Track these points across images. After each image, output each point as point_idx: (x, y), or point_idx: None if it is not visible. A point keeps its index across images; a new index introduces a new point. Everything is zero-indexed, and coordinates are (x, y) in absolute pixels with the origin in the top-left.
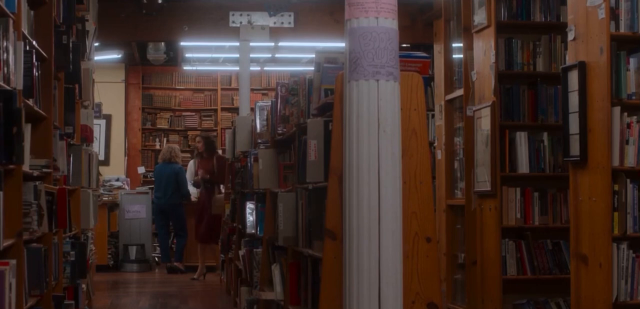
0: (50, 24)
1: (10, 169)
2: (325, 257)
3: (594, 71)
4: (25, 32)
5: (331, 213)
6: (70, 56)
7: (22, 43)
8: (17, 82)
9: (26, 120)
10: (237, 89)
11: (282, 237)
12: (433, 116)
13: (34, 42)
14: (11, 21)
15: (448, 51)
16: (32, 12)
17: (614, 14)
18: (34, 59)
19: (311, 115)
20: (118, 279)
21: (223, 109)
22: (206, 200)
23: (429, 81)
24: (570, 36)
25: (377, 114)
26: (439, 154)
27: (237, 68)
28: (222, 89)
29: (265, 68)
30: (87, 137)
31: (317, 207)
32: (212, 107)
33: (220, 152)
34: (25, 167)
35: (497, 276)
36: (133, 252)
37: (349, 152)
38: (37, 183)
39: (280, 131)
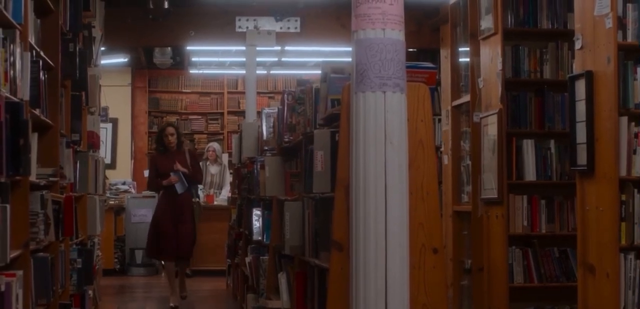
0: (56, 32)
1: (17, 180)
2: (332, 268)
3: (601, 81)
4: (32, 42)
5: (338, 224)
6: (77, 64)
7: (29, 53)
8: (24, 92)
9: (33, 129)
10: (243, 93)
11: (288, 246)
12: (439, 120)
13: (41, 52)
14: (18, 32)
15: (454, 57)
16: (38, 21)
17: (621, 24)
18: (41, 68)
19: (318, 125)
20: (124, 284)
21: (229, 113)
22: (185, 207)
23: (435, 86)
24: (578, 45)
25: (384, 126)
26: (446, 159)
27: (244, 71)
28: (228, 93)
29: (271, 71)
30: (94, 143)
31: (323, 217)
32: (219, 111)
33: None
34: (32, 177)
35: (504, 283)
36: (139, 256)
37: (356, 163)
38: (43, 192)
39: (287, 139)
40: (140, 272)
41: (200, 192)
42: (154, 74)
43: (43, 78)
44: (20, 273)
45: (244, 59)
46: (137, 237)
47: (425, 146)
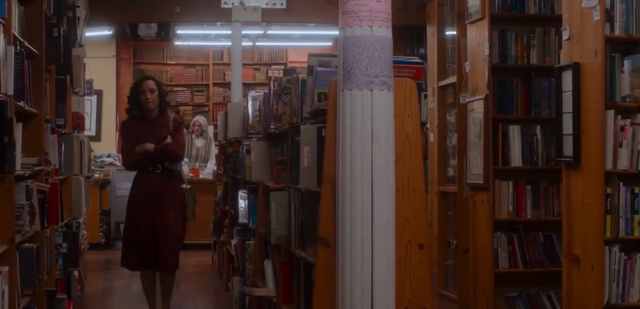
0: (40, 18)
1: (1, 177)
2: (318, 264)
3: (588, 73)
4: (16, 33)
5: (324, 221)
6: (61, 48)
7: (13, 47)
8: (8, 87)
9: (17, 119)
10: (229, 64)
11: (274, 235)
12: (425, 96)
13: (25, 42)
14: (1, 26)
15: (441, 37)
16: (22, 8)
17: (608, 16)
18: (25, 58)
19: (304, 118)
20: (110, 258)
21: (215, 84)
22: (168, 195)
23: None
24: (565, 36)
25: (371, 124)
26: (432, 137)
27: (229, 43)
28: (213, 64)
29: (257, 43)
30: (79, 124)
31: (309, 210)
32: (204, 82)
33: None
34: (17, 168)
35: (489, 269)
36: None
37: (343, 161)
38: (28, 182)
39: (273, 127)
40: None
41: (185, 166)
42: (138, 45)
43: (27, 67)
44: (5, 269)
45: (229, 32)
46: (123, 210)
47: (412, 141)
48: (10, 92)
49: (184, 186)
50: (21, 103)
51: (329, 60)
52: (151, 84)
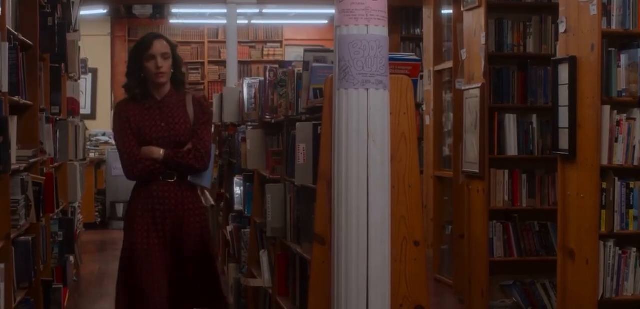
0: (35, 8)
1: None
2: (314, 261)
3: (584, 67)
4: (10, 28)
5: (320, 218)
6: (56, 37)
7: (7, 43)
8: (3, 84)
9: (11, 112)
10: (224, 42)
11: (270, 228)
12: (421, 77)
13: (20, 35)
14: None
15: (438, 18)
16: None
17: (605, 10)
18: (19, 51)
19: (300, 113)
20: (105, 239)
21: (210, 62)
22: (184, 214)
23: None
24: (562, 29)
25: (367, 123)
26: (428, 120)
27: (225, 21)
28: (209, 42)
29: (252, 21)
30: (74, 110)
31: (305, 205)
32: (199, 61)
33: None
34: (12, 162)
35: (485, 257)
36: (120, 209)
37: (338, 159)
38: (24, 176)
39: (269, 117)
40: (120, 226)
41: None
42: (133, 23)
43: (22, 60)
44: (2, 266)
45: (224, 11)
46: (118, 190)
47: (408, 138)
48: (5, 89)
49: (205, 201)
50: (16, 98)
51: (324, 56)
52: (163, 45)
